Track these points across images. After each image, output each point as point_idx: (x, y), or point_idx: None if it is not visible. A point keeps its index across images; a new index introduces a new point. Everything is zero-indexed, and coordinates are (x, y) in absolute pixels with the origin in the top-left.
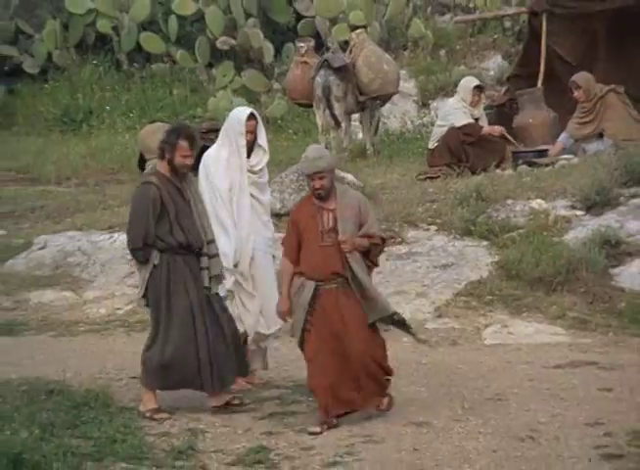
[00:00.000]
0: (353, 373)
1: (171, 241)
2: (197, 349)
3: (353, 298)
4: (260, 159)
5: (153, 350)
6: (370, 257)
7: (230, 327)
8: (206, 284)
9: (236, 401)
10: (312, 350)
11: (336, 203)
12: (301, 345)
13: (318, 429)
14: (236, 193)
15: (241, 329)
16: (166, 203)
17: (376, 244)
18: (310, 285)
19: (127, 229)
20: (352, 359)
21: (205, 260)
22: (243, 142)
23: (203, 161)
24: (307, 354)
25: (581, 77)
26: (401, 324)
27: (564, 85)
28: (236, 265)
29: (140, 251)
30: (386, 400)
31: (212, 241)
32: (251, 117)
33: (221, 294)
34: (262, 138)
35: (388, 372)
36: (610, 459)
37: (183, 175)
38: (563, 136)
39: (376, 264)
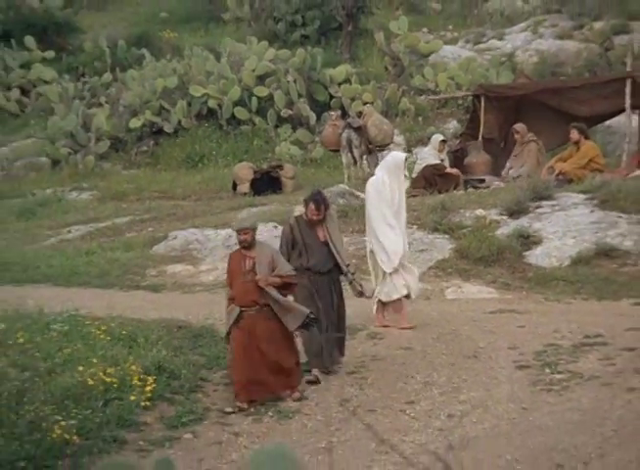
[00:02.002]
0: (262, 370)
1: (297, 264)
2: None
3: (268, 318)
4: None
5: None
6: (285, 290)
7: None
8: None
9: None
10: (235, 350)
11: (255, 252)
12: (227, 341)
13: (230, 409)
14: (396, 203)
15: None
16: (296, 237)
17: (288, 282)
18: (237, 309)
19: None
20: (262, 361)
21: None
22: (402, 172)
23: (371, 183)
24: (230, 352)
25: (519, 126)
26: (315, 320)
27: (494, 139)
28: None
29: None
30: (296, 395)
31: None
32: (406, 158)
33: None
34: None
35: (292, 372)
36: (521, 369)
37: (315, 221)
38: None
39: (291, 293)
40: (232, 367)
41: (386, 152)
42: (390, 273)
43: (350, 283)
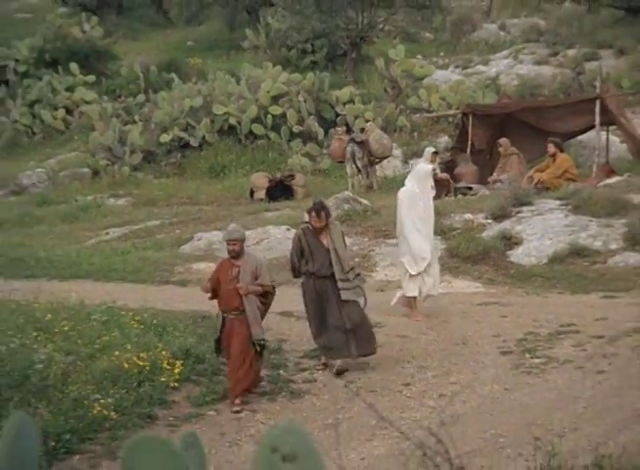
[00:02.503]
0: (235, 368)
1: (305, 269)
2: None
3: (242, 324)
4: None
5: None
6: (265, 299)
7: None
8: (344, 297)
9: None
10: (223, 352)
11: (241, 261)
12: (217, 348)
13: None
14: (425, 211)
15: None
16: (305, 245)
17: (268, 291)
18: (220, 315)
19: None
20: (233, 361)
21: (342, 284)
22: (429, 180)
23: (403, 192)
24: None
25: (503, 141)
26: (263, 347)
27: (480, 152)
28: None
29: (292, 272)
30: (237, 407)
31: (352, 268)
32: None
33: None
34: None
35: (243, 384)
36: (504, 354)
37: (321, 228)
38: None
39: (268, 305)
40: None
41: (386, 162)
42: (413, 275)
43: (345, 289)
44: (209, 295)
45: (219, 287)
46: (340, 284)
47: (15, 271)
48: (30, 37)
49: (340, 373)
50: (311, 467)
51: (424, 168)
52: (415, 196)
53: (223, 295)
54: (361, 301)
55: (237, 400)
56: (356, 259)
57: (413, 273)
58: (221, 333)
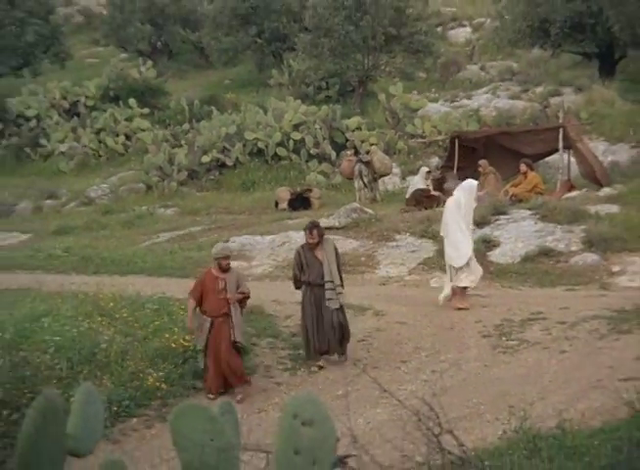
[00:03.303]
0: (221, 368)
1: (304, 279)
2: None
3: (228, 326)
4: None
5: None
6: (244, 303)
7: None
8: (328, 304)
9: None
10: (208, 353)
11: (227, 275)
12: (205, 350)
13: (211, 396)
14: (467, 216)
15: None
16: (303, 259)
17: (247, 297)
18: (209, 319)
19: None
20: (220, 361)
21: (329, 293)
22: (474, 194)
23: (452, 201)
24: (205, 356)
25: (482, 162)
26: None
27: (466, 171)
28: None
29: (294, 283)
30: (239, 396)
31: (340, 282)
32: (476, 185)
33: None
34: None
35: (238, 372)
36: (485, 337)
37: (315, 244)
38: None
39: (245, 306)
40: (205, 366)
41: (387, 179)
42: (460, 267)
43: (331, 298)
44: (194, 305)
45: (206, 297)
46: (326, 293)
47: (84, 268)
48: (97, 78)
49: (320, 368)
50: (326, 430)
51: (470, 183)
52: (460, 204)
53: (212, 303)
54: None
55: (238, 397)
56: (362, 259)
57: (458, 266)
58: (209, 335)
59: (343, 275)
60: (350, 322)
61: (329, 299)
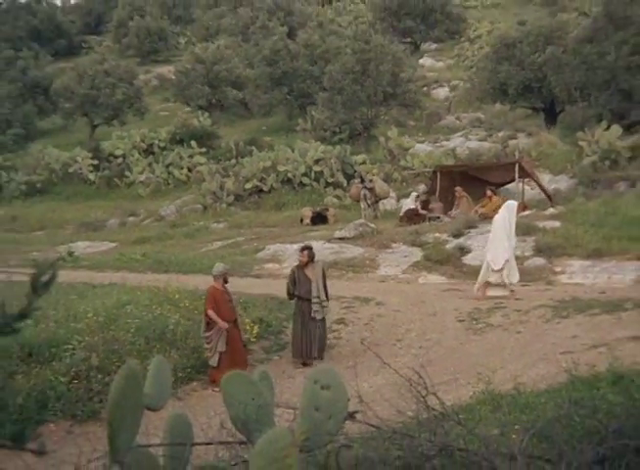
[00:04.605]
0: (235, 363)
1: (296, 293)
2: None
3: (238, 329)
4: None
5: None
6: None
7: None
8: (313, 315)
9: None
10: (227, 351)
11: (226, 287)
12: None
13: (217, 389)
14: (511, 231)
15: (514, 280)
16: (296, 276)
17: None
18: (226, 324)
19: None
20: (238, 357)
21: (315, 306)
22: (514, 211)
23: (499, 216)
24: (220, 355)
25: (457, 188)
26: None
27: (446, 195)
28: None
29: (287, 295)
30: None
31: (326, 298)
32: (518, 205)
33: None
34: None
35: (246, 364)
36: (460, 321)
37: (307, 264)
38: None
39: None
40: (219, 362)
41: (386, 201)
42: (497, 270)
43: (317, 310)
44: (216, 314)
45: (219, 307)
46: (313, 306)
47: (156, 268)
48: (168, 126)
49: (305, 364)
50: (339, 393)
51: (512, 203)
52: (505, 220)
53: (225, 312)
54: (325, 317)
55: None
56: (366, 262)
57: (496, 269)
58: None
59: (344, 274)
60: (357, 310)
61: (315, 311)
